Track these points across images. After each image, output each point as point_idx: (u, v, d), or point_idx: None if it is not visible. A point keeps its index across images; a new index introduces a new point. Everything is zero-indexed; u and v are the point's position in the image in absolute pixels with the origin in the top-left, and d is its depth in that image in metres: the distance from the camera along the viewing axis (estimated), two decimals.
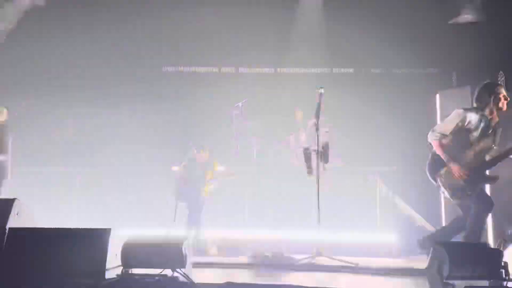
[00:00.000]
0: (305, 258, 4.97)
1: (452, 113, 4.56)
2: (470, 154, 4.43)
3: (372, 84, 8.49)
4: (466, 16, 7.97)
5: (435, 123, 7.29)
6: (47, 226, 3.72)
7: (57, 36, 8.34)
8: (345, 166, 7.45)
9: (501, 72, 6.02)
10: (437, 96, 7.47)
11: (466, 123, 4.43)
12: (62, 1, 8.54)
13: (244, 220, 7.45)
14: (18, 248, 3.38)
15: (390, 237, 6.68)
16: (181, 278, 3.28)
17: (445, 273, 3.10)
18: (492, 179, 4.52)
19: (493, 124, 4.46)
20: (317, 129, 5.25)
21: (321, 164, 5.22)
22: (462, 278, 3.12)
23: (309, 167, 5.28)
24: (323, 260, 4.78)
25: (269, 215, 7.45)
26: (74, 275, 3.26)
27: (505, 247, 4.05)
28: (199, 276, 3.56)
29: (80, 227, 3.68)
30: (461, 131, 4.46)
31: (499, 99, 4.42)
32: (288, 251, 5.63)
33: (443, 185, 4.48)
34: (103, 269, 3.26)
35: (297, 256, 5.35)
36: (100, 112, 8.63)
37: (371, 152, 6.90)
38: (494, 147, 4.41)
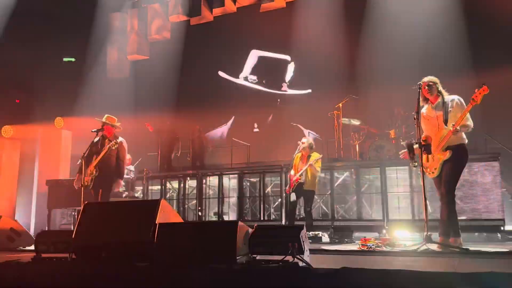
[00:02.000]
0: (415, 244, 4.78)
1: None
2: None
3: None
4: None
5: None
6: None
7: None
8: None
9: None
10: None
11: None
12: None
13: (352, 210, 7.36)
14: (165, 239, 3.67)
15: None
16: (301, 264, 3.33)
17: None
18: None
19: (428, 111, 5.04)
20: (417, 123, 5.02)
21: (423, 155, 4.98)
22: None
23: (412, 158, 5.07)
24: (433, 246, 4.55)
25: (375, 204, 7.28)
26: (210, 261, 3.46)
27: None
28: (316, 262, 3.58)
29: (212, 220, 3.87)
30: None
31: (422, 89, 5.00)
32: (397, 238, 5.45)
33: None
34: (233, 256, 3.38)
35: (407, 242, 5.16)
36: None
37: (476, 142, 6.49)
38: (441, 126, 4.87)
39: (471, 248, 4.50)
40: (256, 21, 10.80)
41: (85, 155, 6.07)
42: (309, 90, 11.23)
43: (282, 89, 11.53)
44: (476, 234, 6.48)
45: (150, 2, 11.62)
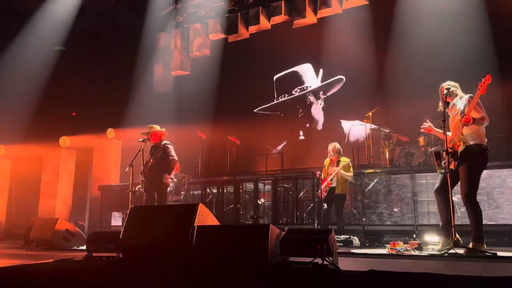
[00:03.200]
0: (443, 248, 4.62)
1: None
2: None
3: None
4: None
5: None
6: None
7: None
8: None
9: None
10: None
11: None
12: None
13: (382, 215, 7.20)
14: (203, 240, 3.72)
15: None
16: (330, 266, 3.29)
17: None
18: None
19: (448, 114, 4.94)
20: (444, 131, 4.87)
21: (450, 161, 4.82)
22: None
23: (439, 164, 4.92)
24: (460, 250, 4.38)
25: (403, 208, 7.09)
26: (243, 261, 3.48)
27: None
28: (344, 264, 3.53)
29: (246, 223, 3.89)
30: None
31: (441, 93, 4.96)
32: (425, 242, 5.29)
33: None
34: (265, 257, 3.38)
35: (435, 246, 5.00)
36: None
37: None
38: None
39: (498, 253, 4.31)
40: (289, 37, 10.85)
41: (133, 162, 6.33)
42: (341, 77, 10.90)
43: (308, 91, 11.42)
44: (506, 239, 6.19)
45: (192, 22, 11.90)
